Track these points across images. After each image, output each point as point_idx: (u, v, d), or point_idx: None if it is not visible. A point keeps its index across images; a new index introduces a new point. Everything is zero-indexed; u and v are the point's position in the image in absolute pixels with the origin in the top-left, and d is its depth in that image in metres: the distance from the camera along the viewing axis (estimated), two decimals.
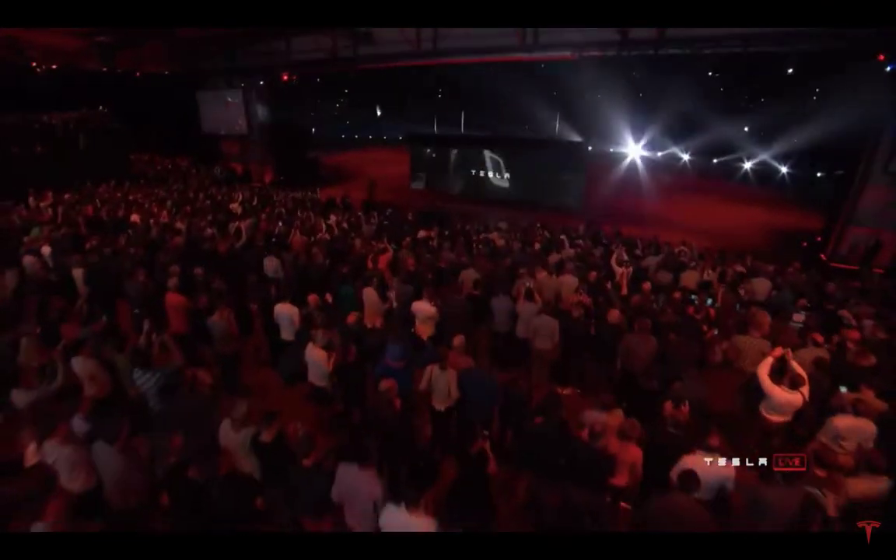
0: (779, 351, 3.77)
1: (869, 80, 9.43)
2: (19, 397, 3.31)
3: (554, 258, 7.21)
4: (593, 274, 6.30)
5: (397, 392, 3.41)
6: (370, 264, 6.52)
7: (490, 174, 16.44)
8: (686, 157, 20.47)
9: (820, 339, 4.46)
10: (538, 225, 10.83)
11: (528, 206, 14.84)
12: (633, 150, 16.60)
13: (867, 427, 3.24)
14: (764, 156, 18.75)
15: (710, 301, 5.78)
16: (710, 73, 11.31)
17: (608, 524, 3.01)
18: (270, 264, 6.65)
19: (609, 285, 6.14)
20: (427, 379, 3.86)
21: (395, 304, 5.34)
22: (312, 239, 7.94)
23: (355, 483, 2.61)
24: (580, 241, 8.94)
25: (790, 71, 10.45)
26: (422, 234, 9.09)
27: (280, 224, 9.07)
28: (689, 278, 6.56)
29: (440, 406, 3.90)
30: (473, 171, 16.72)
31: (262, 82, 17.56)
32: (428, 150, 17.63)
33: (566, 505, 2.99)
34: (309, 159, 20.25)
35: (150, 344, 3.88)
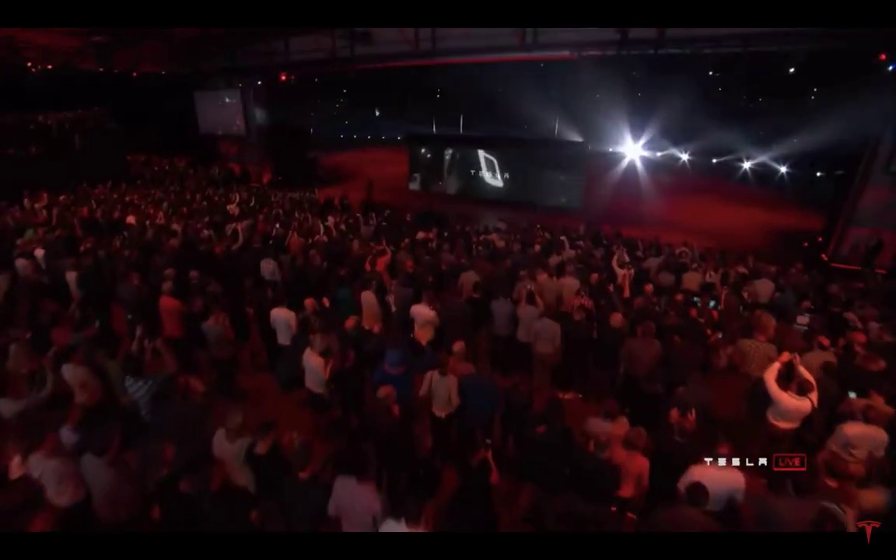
0: (786, 356, 3.69)
1: (869, 80, 9.39)
2: (6, 407, 3.21)
3: (554, 260, 7.12)
4: (595, 276, 6.22)
5: (395, 399, 3.33)
6: (368, 267, 6.44)
7: (489, 174, 16.37)
8: (685, 157, 20.41)
9: (826, 342, 4.38)
10: (538, 226, 10.76)
11: (527, 207, 14.79)
12: (633, 151, 16.52)
13: (878, 435, 3.15)
14: (764, 156, 18.70)
15: (713, 303, 5.72)
16: (710, 73, 11.23)
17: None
18: (267, 267, 6.56)
19: (611, 288, 6.06)
20: (427, 385, 3.78)
21: (393, 308, 5.25)
22: (310, 241, 7.84)
23: (353, 497, 2.52)
24: (580, 243, 8.86)
25: (791, 71, 10.40)
26: (421, 235, 9.00)
27: (277, 225, 8.97)
28: (691, 280, 6.49)
29: (441, 413, 3.82)
30: (472, 171, 16.65)
31: (260, 82, 17.45)
32: (427, 151, 17.56)
33: (570, 516, 2.91)
34: (307, 159, 20.15)
35: (142, 350, 3.78)
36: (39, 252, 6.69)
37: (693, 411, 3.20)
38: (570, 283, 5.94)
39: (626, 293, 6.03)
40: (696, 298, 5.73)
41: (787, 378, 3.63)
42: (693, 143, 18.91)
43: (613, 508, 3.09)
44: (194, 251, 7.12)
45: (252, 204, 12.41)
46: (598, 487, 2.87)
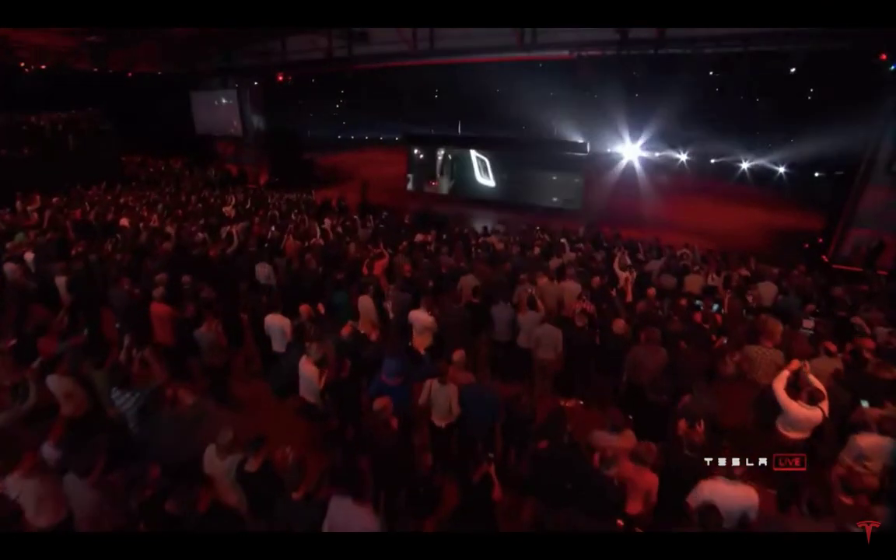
0: (795, 364, 3.58)
1: (870, 81, 9.33)
2: None
3: (555, 263, 7.00)
4: (597, 280, 6.09)
5: (392, 411, 3.21)
6: (366, 270, 6.31)
7: (486, 175, 16.26)
8: (685, 157, 20.36)
9: (833, 348, 4.28)
10: (537, 228, 10.63)
11: (525, 208, 14.68)
12: (632, 151, 16.46)
13: (893, 446, 3.05)
14: (763, 156, 18.65)
15: (716, 307, 5.61)
16: (710, 73, 11.14)
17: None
18: (262, 271, 6.42)
19: (613, 292, 5.94)
20: (427, 394, 3.66)
21: (391, 314, 5.13)
22: (306, 244, 7.70)
23: (349, 519, 2.39)
24: (581, 245, 8.73)
25: (791, 71, 10.32)
26: (419, 238, 8.86)
27: (273, 228, 8.83)
28: (693, 283, 6.38)
29: (441, 422, 3.70)
30: (470, 172, 16.53)
31: (256, 83, 17.28)
32: (425, 151, 17.42)
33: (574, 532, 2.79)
34: (304, 160, 20.00)
35: (130, 360, 3.65)
36: (29, 256, 6.54)
37: (702, 423, 3.09)
38: (572, 286, 5.82)
39: (629, 297, 5.91)
40: (698, 302, 5.62)
41: (796, 386, 3.53)
42: (692, 144, 18.85)
43: (620, 523, 2.97)
44: (188, 255, 6.98)
45: (248, 206, 12.26)
46: (603, 504, 2.75)
